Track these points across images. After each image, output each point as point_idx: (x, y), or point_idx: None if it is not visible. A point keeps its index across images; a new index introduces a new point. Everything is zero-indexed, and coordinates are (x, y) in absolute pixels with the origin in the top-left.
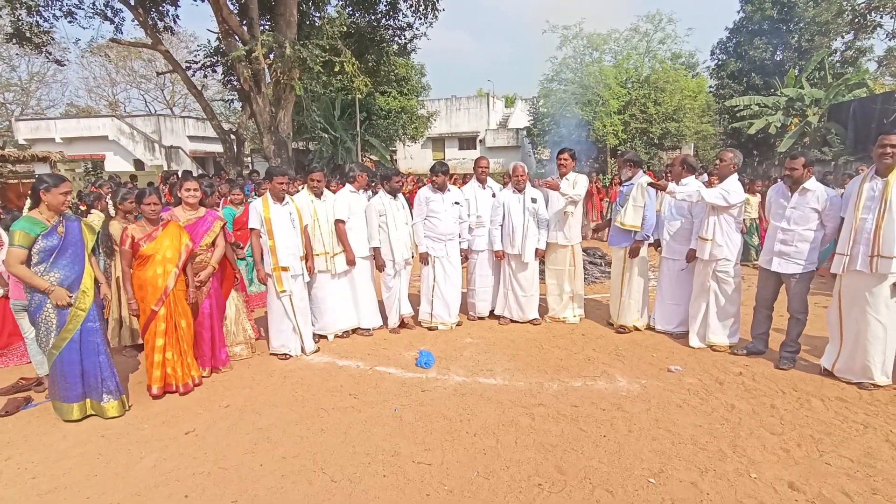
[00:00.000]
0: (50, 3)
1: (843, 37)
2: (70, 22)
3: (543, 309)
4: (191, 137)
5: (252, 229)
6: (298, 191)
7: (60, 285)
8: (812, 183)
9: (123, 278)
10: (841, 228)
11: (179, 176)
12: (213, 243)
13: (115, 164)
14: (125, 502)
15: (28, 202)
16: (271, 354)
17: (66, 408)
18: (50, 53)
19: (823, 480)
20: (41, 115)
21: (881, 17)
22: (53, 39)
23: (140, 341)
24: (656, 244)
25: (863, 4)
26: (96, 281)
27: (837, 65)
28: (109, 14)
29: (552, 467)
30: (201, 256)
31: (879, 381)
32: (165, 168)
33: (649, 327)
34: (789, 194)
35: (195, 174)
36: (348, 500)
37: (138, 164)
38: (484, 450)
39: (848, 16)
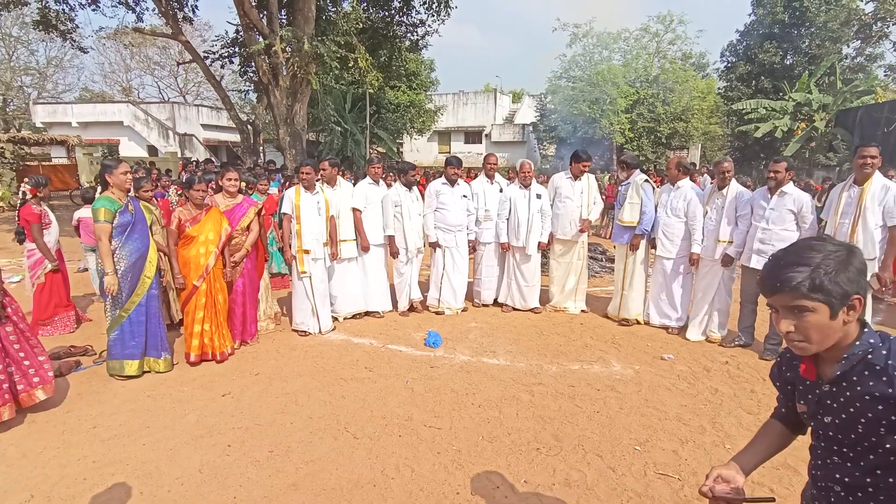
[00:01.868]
0: None
1: (849, 45)
2: (94, 10)
3: (546, 298)
4: (204, 126)
5: (284, 214)
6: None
7: (132, 257)
8: (790, 187)
9: (170, 256)
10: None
11: (200, 166)
12: (247, 227)
13: (130, 149)
14: (177, 448)
15: (98, 188)
16: (293, 330)
17: (129, 364)
18: (74, 41)
19: (789, 452)
20: (58, 98)
21: (888, 28)
22: (78, 27)
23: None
24: (652, 243)
25: (869, 14)
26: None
27: (847, 71)
28: (132, 3)
29: (549, 435)
30: (237, 239)
31: None
32: (179, 155)
33: (646, 321)
34: (769, 196)
35: (215, 162)
36: (370, 454)
37: (152, 150)
38: (488, 419)
39: (855, 25)
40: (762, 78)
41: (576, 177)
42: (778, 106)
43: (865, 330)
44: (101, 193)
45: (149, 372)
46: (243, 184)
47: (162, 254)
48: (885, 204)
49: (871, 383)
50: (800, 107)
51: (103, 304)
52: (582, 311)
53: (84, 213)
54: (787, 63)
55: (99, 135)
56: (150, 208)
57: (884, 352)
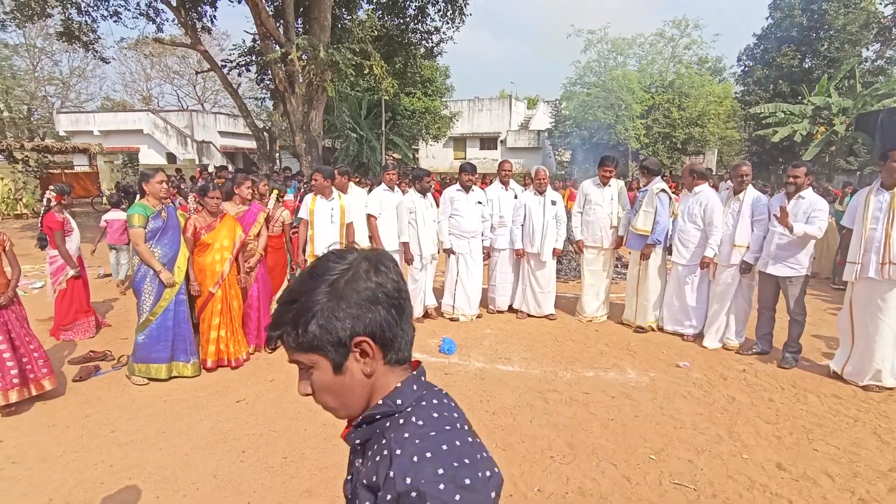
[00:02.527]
0: (98, 3)
1: (868, 48)
2: (115, 22)
3: (569, 307)
4: (221, 133)
5: (301, 219)
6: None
7: (162, 261)
8: (808, 192)
9: (187, 263)
10: (847, 238)
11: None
12: (258, 234)
13: (149, 157)
14: (192, 454)
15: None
16: None
17: (155, 368)
18: (97, 52)
19: (809, 463)
20: (80, 108)
21: None
22: (100, 38)
23: None
24: (669, 249)
25: (889, 17)
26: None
27: (867, 74)
28: (151, 14)
29: (563, 443)
30: (251, 245)
31: (887, 384)
32: (197, 162)
33: (660, 328)
34: (787, 202)
35: (231, 168)
36: None
37: (171, 157)
38: (502, 426)
39: (874, 27)
40: (780, 82)
41: (604, 182)
42: (797, 110)
43: (401, 385)
44: (138, 200)
45: (177, 377)
46: (276, 191)
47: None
48: None
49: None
50: (819, 110)
51: (136, 306)
52: (605, 316)
53: (111, 215)
54: (806, 67)
55: (120, 143)
56: (184, 216)
57: (387, 424)
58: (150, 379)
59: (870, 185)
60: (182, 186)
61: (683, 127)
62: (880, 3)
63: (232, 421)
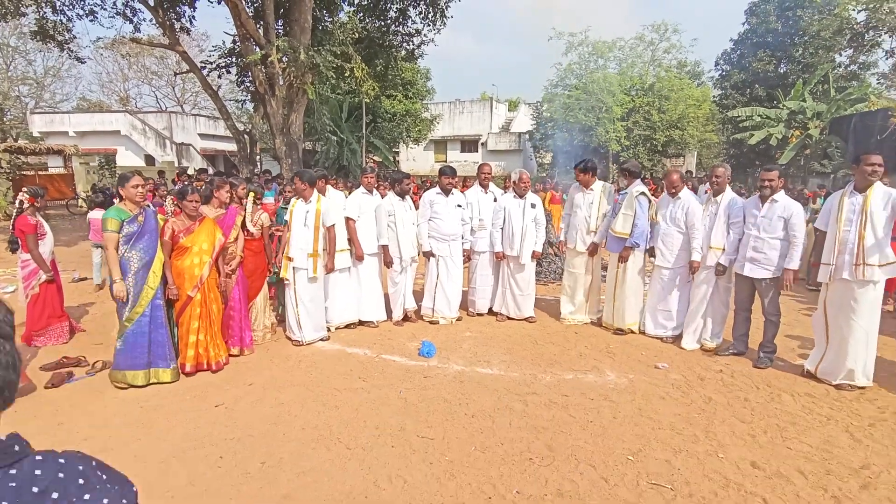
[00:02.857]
0: (74, 2)
1: (842, 53)
2: (91, 21)
3: (549, 310)
4: (201, 135)
5: (286, 222)
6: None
7: (136, 265)
8: (780, 195)
9: (164, 267)
10: (821, 240)
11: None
12: (236, 237)
13: (127, 158)
14: (168, 461)
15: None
16: (286, 337)
17: (132, 374)
18: (72, 51)
19: (783, 461)
20: (55, 108)
21: (880, 36)
22: (75, 37)
23: None
24: (651, 252)
25: (861, 23)
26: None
27: (840, 79)
28: (129, 14)
29: (542, 445)
30: (231, 248)
31: (860, 383)
32: (176, 164)
33: (641, 331)
34: (761, 205)
35: (211, 171)
36: (362, 465)
37: (149, 159)
38: (481, 429)
39: (847, 34)
40: (757, 86)
41: (584, 186)
42: (772, 114)
43: None
44: (116, 204)
45: (156, 383)
46: (253, 193)
47: None
48: (890, 206)
49: None
50: (794, 115)
51: (117, 310)
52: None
53: (93, 214)
54: (781, 71)
55: (96, 144)
56: (164, 220)
57: None
58: (127, 386)
59: (843, 188)
60: (160, 190)
61: (663, 130)
62: (853, 10)
63: (209, 426)
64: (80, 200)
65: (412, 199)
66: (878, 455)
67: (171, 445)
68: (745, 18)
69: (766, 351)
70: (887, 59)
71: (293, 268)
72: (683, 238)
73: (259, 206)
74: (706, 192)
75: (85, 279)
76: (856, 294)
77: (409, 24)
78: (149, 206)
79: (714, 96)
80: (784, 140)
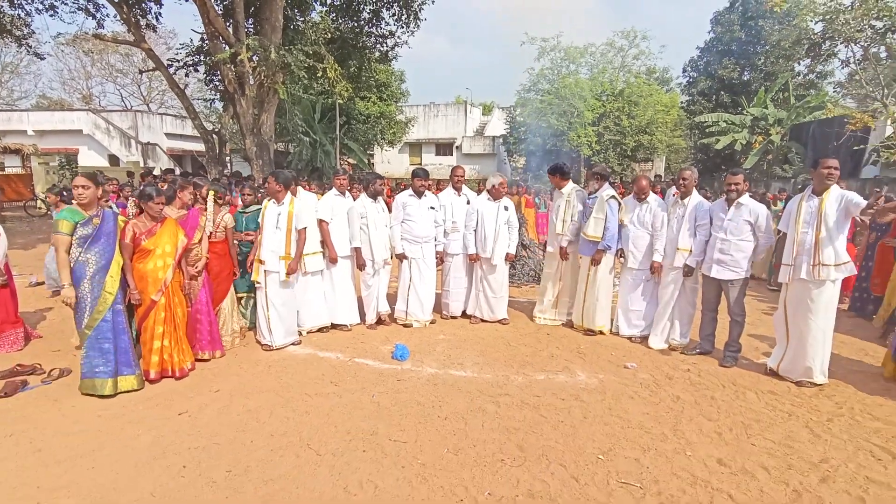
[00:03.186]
0: None
1: (800, 63)
2: (52, 16)
3: (525, 311)
4: (168, 135)
5: (259, 224)
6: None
7: (92, 269)
8: (745, 198)
9: (125, 270)
10: (782, 242)
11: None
12: (200, 239)
13: (90, 158)
14: (128, 472)
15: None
16: (256, 341)
17: (101, 383)
18: (31, 47)
19: (747, 457)
20: (12, 105)
21: (836, 46)
22: (34, 32)
23: None
24: (621, 254)
25: (819, 34)
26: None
27: (800, 87)
28: (91, 9)
29: (514, 446)
30: (196, 250)
31: (817, 381)
32: (142, 164)
33: (612, 332)
34: (727, 208)
35: (178, 171)
36: (332, 471)
37: (113, 159)
38: (454, 431)
39: (806, 44)
40: (722, 93)
41: (558, 188)
42: (737, 120)
43: None
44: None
45: (124, 391)
46: (213, 192)
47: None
48: (842, 205)
49: None
50: (757, 121)
51: (74, 319)
52: (562, 323)
53: None
54: (745, 79)
55: (57, 143)
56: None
57: None
58: (96, 396)
59: (800, 194)
60: (125, 190)
61: (633, 135)
62: (811, 21)
63: (173, 434)
64: (38, 202)
65: (385, 201)
66: (836, 449)
67: (131, 455)
68: (710, 27)
69: (731, 350)
70: (843, 68)
71: (264, 270)
72: (651, 240)
73: (221, 207)
74: (674, 194)
75: (42, 283)
76: (812, 294)
77: (382, 26)
78: (111, 206)
79: (681, 102)
80: (748, 145)
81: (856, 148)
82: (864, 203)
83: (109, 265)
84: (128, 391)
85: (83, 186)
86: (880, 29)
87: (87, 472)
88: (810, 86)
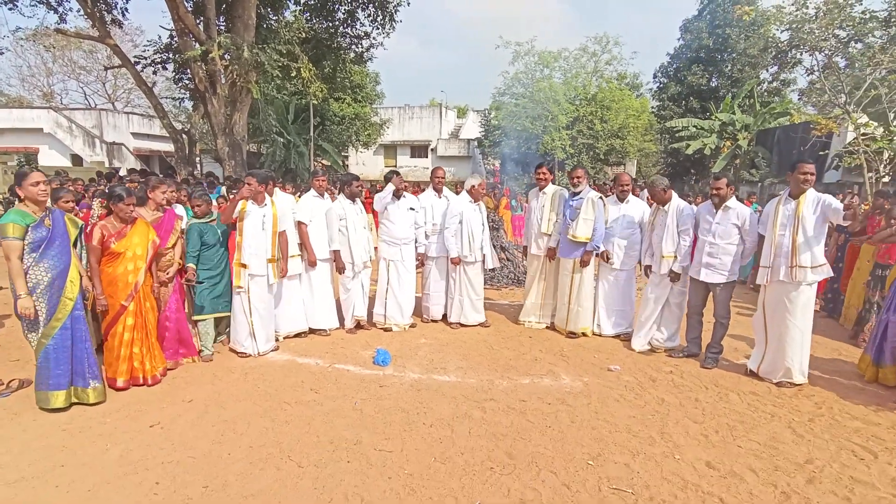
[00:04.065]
0: None
1: (766, 70)
2: (11, 9)
3: (507, 314)
4: (135, 134)
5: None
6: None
7: (50, 274)
8: (733, 202)
9: (91, 274)
10: (760, 244)
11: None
12: (174, 244)
13: (51, 158)
14: (96, 490)
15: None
16: (230, 350)
17: (53, 396)
18: None
19: (735, 460)
20: None
21: (801, 55)
22: None
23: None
24: (604, 255)
25: (784, 42)
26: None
27: (765, 94)
28: (53, 3)
29: (502, 453)
30: (168, 255)
31: (797, 381)
32: (107, 165)
33: (595, 333)
34: (715, 211)
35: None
36: (315, 483)
37: (76, 159)
38: (440, 439)
39: (771, 52)
40: (691, 98)
41: (540, 188)
42: (706, 125)
43: None
44: (15, 206)
45: (78, 403)
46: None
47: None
48: (819, 209)
49: None
50: (725, 126)
51: (22, 329)
52: (545, 326)
53: None
54: (713, 85)
55: (15, 142)
56: (76, 222)
57: None
58: (48, 410)
59: (778, 195)
60: (90, 191)
61: (605, 138)
62: (777, 30)
63: (144, 448)
64: None
65: (363, 203)
66: (819, 449)
67: (99, 472)
68: (679, 34)
69: (712, 352)
70: (807, 76)
71: (249, 275)
72: (628, 241)
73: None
74: (647, 199)
75: (0, 289)
76: (790, 295)
77: (357, 27)
78: (51, 207)
79: (652, 107)
80: (717, 150)
81: (820, 153)
82: (842, 210)
83: (68, 269)
84: (87, 403)
85: (43, 182)
86: (843, 38)
87: (50, 490)
88: (775, 93)
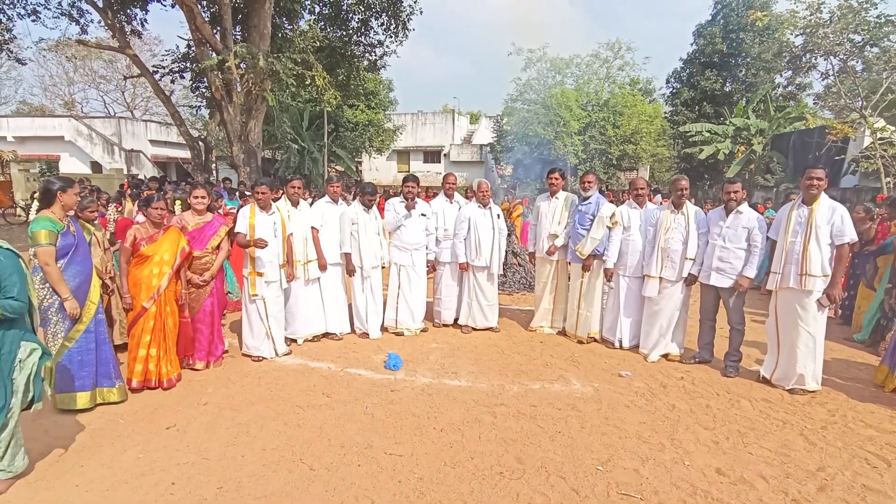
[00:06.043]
0: (15, 1)
1: (781, 75)
2: (34, 21)
3: (518, 319)
4: (153, 142)
5: (238, 233)
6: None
7: (75, 280)
8: (745, 206)
9: (120, 274)
10: (771, 249)
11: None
12: (218, 246)
13: (72, 165)
14: (114, 489)
15: (34, 204)
16: (244, 355)
17: (80, 396)
18: (12, 52)
19: (745, 467)
20: None
21: (815, 59)
22: (16, 38)
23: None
24: (607, 274)
25: (799, 47)
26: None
27: (780, 98)
28: (75, 15)
29: (512, 458)
30: (207, 258)
31: (810, 388)
32: (125, 172)
33: (604, 339)
34: (726, 216)
35: (165, 179)
36: (326, 486)
37: (96, 166)
38: (450, 443)
39: (786, 56)
40: (704, 103)
41: (552, 193)
42: (720, 130)
43: None
44: (37, 212)
45: (102, 404)
46: (180, 201)
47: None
48: (833, 223)
49: None
50: (739, 131)
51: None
52: (557, 330)
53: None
54: (727, 90)
55: (37, 150)
56: (89, 228)
57: None
58: (73, 411)
59: (793, 201)
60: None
61: (618, 144)
62: (791, 35)
63: (160, 450)
64: (17, 209)
65: (378, 209)
66: (831, 457)
67: (117, 472)
68: (693, 39)
69: (732, 359)
70: (822, 80)
71: (265, 282)
72: (641, 247)
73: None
74: (661, 202)
75: None
76: (802, 301)
77: (371, 35)
78: (69, 214)
79: (665, 112)
80: (731, 155)
81: (836, 158)
82: (848, 238)
83: (91, 273)
84: (109, 403)
85: (79, 193)
86: (859, 42)
87: (69, 490)
88: (790, 97)
